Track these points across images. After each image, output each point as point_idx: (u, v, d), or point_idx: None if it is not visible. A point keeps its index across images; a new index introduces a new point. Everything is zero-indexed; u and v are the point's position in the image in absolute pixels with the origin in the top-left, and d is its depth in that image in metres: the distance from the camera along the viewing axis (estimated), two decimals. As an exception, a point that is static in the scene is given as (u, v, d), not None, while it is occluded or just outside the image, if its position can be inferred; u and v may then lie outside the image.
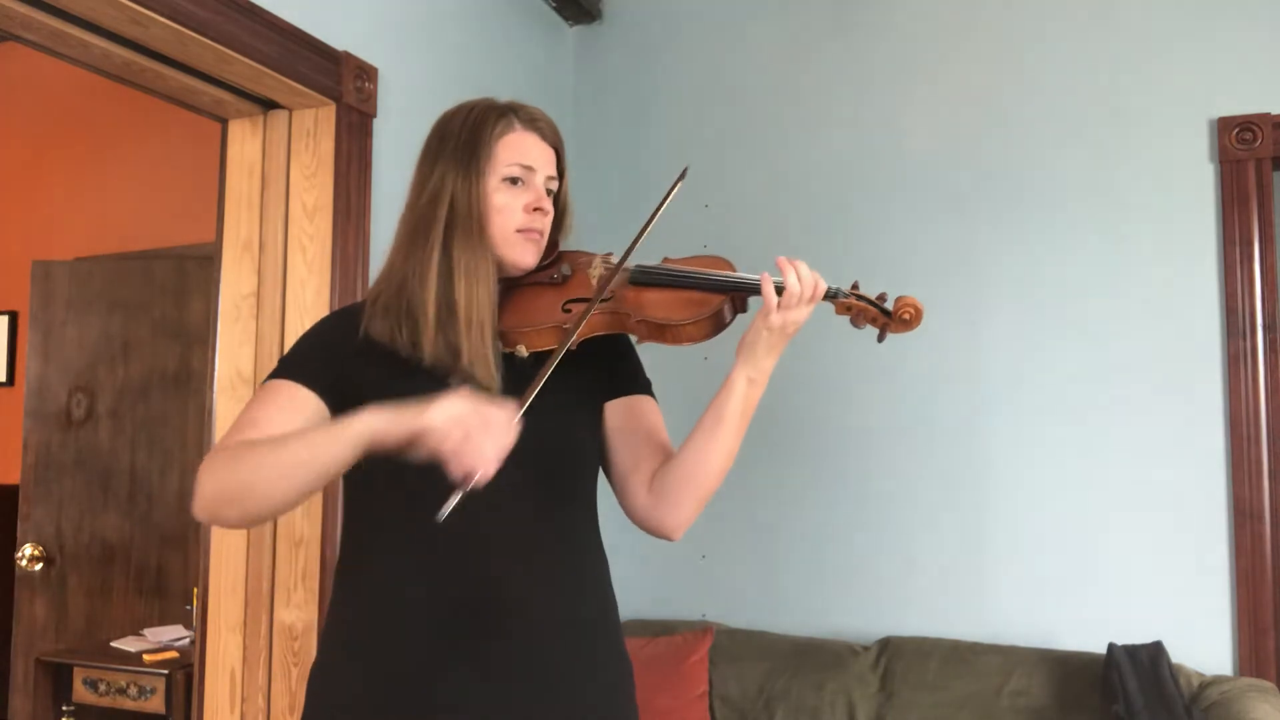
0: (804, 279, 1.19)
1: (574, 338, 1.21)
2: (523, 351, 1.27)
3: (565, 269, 1.32)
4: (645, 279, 1.28)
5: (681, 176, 1.34)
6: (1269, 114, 2.42)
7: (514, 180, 1.28)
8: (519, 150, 1.29)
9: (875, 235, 2.79)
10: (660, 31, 3.14)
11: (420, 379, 1.19)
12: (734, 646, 2.68)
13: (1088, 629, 2.44)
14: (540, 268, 1.33)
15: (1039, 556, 2.56)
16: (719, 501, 3.06)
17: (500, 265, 1.29)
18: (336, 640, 1.26)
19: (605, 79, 3.21)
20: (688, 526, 1.28)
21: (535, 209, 1.29)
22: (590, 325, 1.25)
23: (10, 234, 4.03)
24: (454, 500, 1.01)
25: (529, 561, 1.23)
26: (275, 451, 1.09)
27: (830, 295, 1.23)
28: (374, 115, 2.24)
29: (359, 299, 2.16)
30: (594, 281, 1.29)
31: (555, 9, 3.14)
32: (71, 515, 3.35)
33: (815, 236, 2.86)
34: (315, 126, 2.15)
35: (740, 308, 1.28)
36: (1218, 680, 2.26)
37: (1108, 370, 2.53)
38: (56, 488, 3.35)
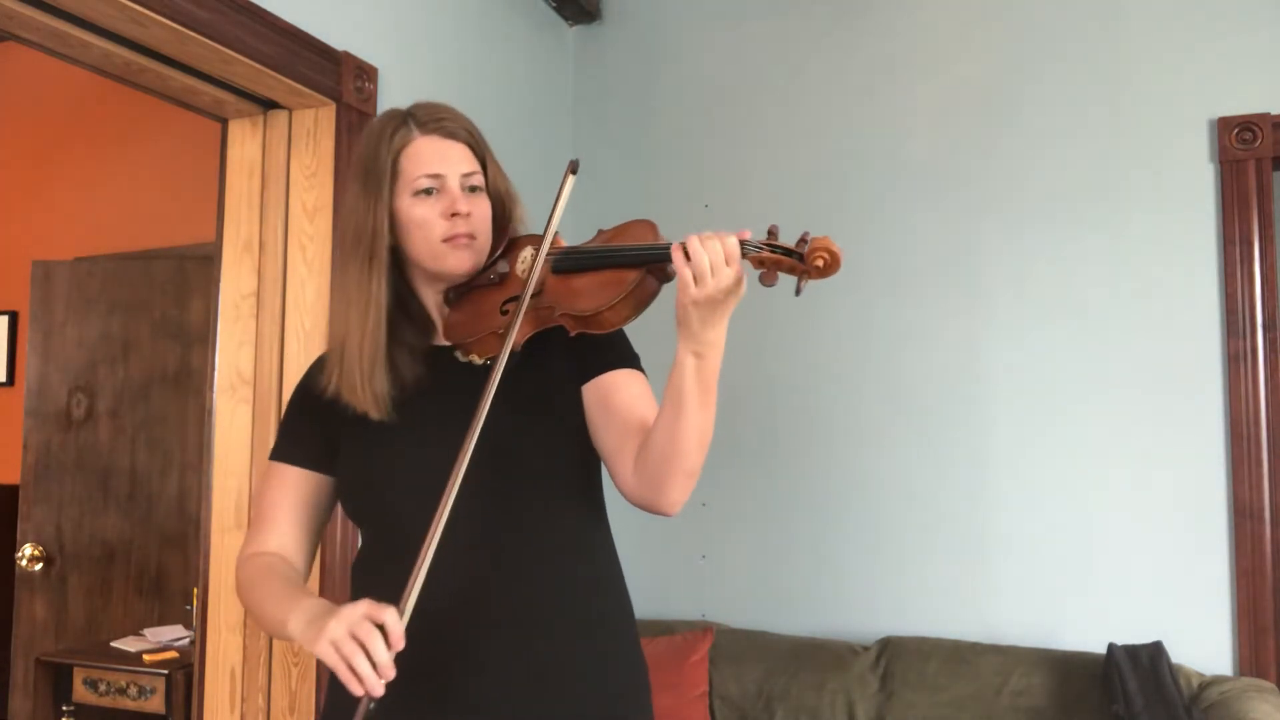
0: (708, 246, 1.07)
1: (505, 351, 1.16)
2: (476, 360, 1.25)
3: (503, 266, 1.27)
4: (565, 264, 1.21)
5: (571, 171, 1.23)
6: (1269, 114, 2.42)
7: (427, 191, 1.25)
8: (421, 159, 1.25)
9: (875, 235, 2.79)
10: (660, 31, 3.14)
11: (341, 419, 1.27)
12: (734, 646, 2.68)
13: (1088, 629, 2.44)
14: (485, 267, 1.28)
15: (1039, 556, 2.56)
16: (719, 501, 3.08)
17: (440, 277, 1.28)
18: None
19: (605, 79, 3.21)
20: (682, 502, 1.22)
21: (453, 214, 1.24)
22: (521, 331, 1.20)
23: (10, 234, 4.03)
24: (359, 713, 1.03)
25: (510, 569, 1.22)
26: (260, 604, 1.23)
27: (741, 252, 1.10)
28: (374, 115, 2.24)
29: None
30: (522, 276, 1.23)
31: (555, 9, 3.14)
32: (71, 515, 3.35)
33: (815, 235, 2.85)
34: (315, 126, 2.15)
35: (664, 276, 1.17)
36: (1218, 680, 2.26)
37: (1108, 370, 2.53)
38: (56, 488, 3.35)
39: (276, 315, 2.13)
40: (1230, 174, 2.44)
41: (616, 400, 1.27)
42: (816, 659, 2.58)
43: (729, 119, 3.01)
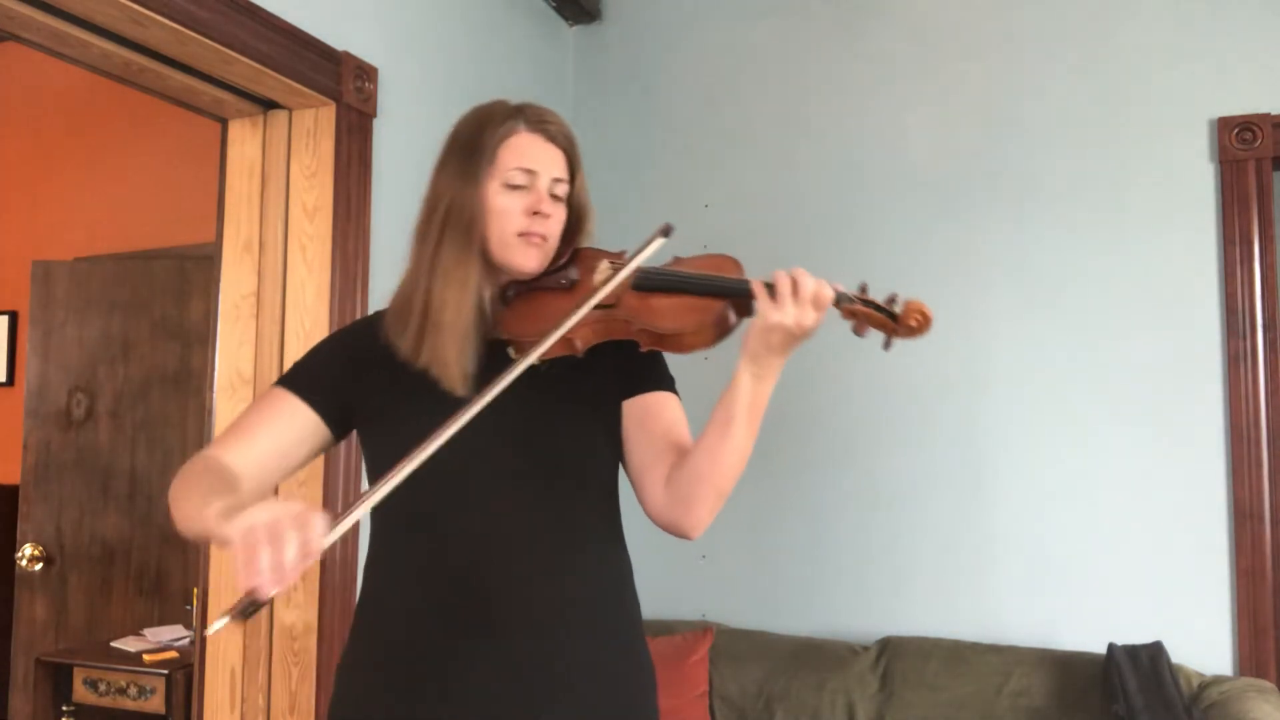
0: (801, 285, 1.14)
1: (543, 347, 1.18)
2: (541, 365, 1.25)
3: (573, 273, 1.31)
4: (648, 283, 1.25)
5: (663, 234, 1.26)
6: (1269, 114, 2.42)
7: (516, 185, 1.28)
8: (521, 154, 1.28)
9: (875, 235, 2.79)
10: (660, 31, 3.14)
11: (406, 380, 1.24)
12: (734, 646, 2.68)
13: (1088, 629, 2.44)
14: (551, 271, 1.32)
15: (1039, 556, 2.56)
16: (719, 501, 3.05)
17: (502, 269, 1.30)
18: (354, 633, 1.32)
19: (605, 79, 3.21)
20: (706, 525, 1.26)
21: (535, 212, 1.27)
22: (590, 332, 1.24)
23: (10, 234, 4.03)
24: (235, 609, 0.92)
25: (526, 564, 1.24)
26: (189, 503, 1.12)
27: (834, 300, 1.17)
28: (374, 115, 2.24)
29: (359, 299, 2.18)
30: (597, 286, 1.27)
31: (555, 9, 3.14)
32: (71, 515, 3.35)
33: (815, 236, 2.86)
34: (315, 126, 2.15)
35: (745, 311, 1.23)
36: (1218, 680, 2.26)
37: (1108, 370, 2.53)
38: (56, 488, 3.35)
39: (276, 315, 2.13)
40: (1230, 174, 2.44)
41: (657, 420, 1.32)
42: (816, 659, 2.58)
43: (729, 118, 3.01)
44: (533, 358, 1.17)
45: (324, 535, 0.96)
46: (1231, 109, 2.46)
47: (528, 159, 1.28)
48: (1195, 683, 2.27)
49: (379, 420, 1.29)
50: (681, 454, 1.30)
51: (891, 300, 1.19)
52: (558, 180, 1.31)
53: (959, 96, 2.74)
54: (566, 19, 3.21)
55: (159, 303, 3.45)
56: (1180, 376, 2.46)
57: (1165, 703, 2.15)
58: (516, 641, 1.21)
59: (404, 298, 1.29)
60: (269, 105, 2.15)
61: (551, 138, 1.31)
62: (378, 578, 1.30)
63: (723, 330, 1.21)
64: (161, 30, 1.76)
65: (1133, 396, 2.50)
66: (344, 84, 2.14)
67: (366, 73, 2.21)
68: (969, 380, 2.66)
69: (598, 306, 1.22)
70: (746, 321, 1.22)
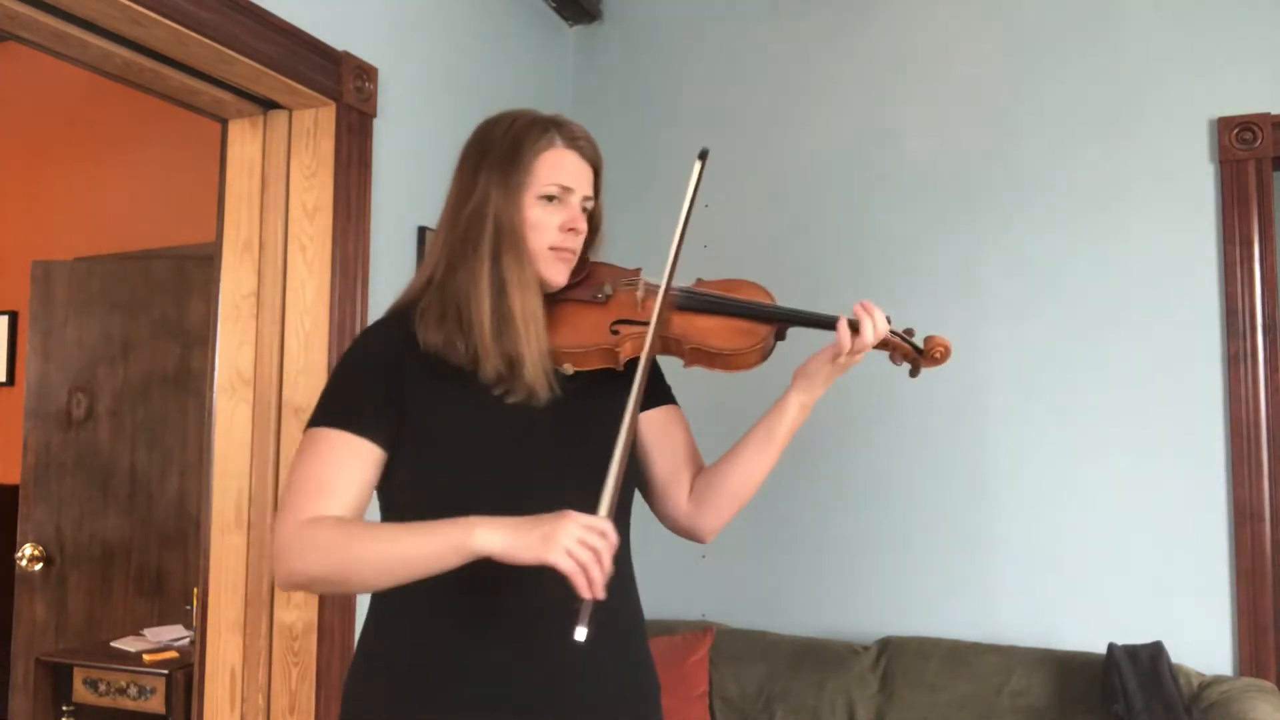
0: (879, 328, 1.26)
1: (642, 368, 1.23)
2: (569, 369, 1.29)
3: (607, 289, 1.34)
4: (693, 304, 1.31)
5: (702, 159, 1.35)
6: (1269, 114, 2.42)
7: (550, 198, 1.29)
8: (558, 169, 1.30)
9: (875, 235, 2.79)
10: (660, 31, 3.14)
11: (473, 392, 1.23)
12: (734, 646, 2.68)
13: (1088, 629, 2.44)
14: (574, 284, 1.34)
15: (1039, 556, 2.56)
16: (719, 501, 3.05)
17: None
18: (378, 636, 1.29)
19: (605, 79, 3.21)
20: (721, 530, 1.36)
21: (570, 229, 1.30)
22: (632, 347, 1.28)
23: (10, 234, 4.03)
24: (583, 620, 1.07)
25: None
26: (378, 546, 1.15)
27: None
28: (374, 115, 2.24)
29: (359, 299, 2.18)
30: (640, 304, 1.31)
31: (555, 9, 3.14)
32: (71, 515, 3.35)
33: (815, 236, 2.86)
34: (315, 126, 2.15)
35: (781, 336, 1.33)
36: (1218, 680, 2.26)
37: (1108, 369, 2.53)
38: (56, 488, 3.35)
39: (276, 315, 2.13)
40: (1230, 174, 2.44)
41: (677, 432, 1.40)
42: (816, 659, 2.58)
43: (729, 119, 3.01)
44: (643, 361, 1.23)
45: (610, 527, 1.09)
46: (1231, 109, 2.46)
47: (566, 176, 1.31)
48: (1195, 683, 2.27)
49: (432, 435, 1.24)
50: (698, 464, 1.39)
51: (910, 333, 1.33)
52: (587, 198, 1.34)
53: (960, 97, 2.74)
54: (566, 19, 3.21)
55: (159, 303, 3.45)
56: (1180, 376, 2.46)
57: (1165, 703, 2.15)
58: (553, 645, 1.18)
59: (453, 305, 1.25)
60: (269, 105, 2.15)
61: (585, 155, 1.36)
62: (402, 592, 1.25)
63: (766, 352, 1.30)
64: (161, 30, 1.76)
65: (1133, 396, 2.50)
66: (344, 84, 2.14)
67: (366, 73, 2.21)
68: (969, 380, 2.66)
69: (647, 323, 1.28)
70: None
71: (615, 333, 1.30)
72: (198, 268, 3.38)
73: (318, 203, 2.13)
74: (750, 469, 1.33)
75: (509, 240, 1.26)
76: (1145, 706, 2.15)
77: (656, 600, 2.89)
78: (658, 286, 1.29)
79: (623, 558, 1.33)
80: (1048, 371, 2.59)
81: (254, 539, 2.10)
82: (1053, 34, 2.65)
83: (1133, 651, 2.28)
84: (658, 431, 1.38)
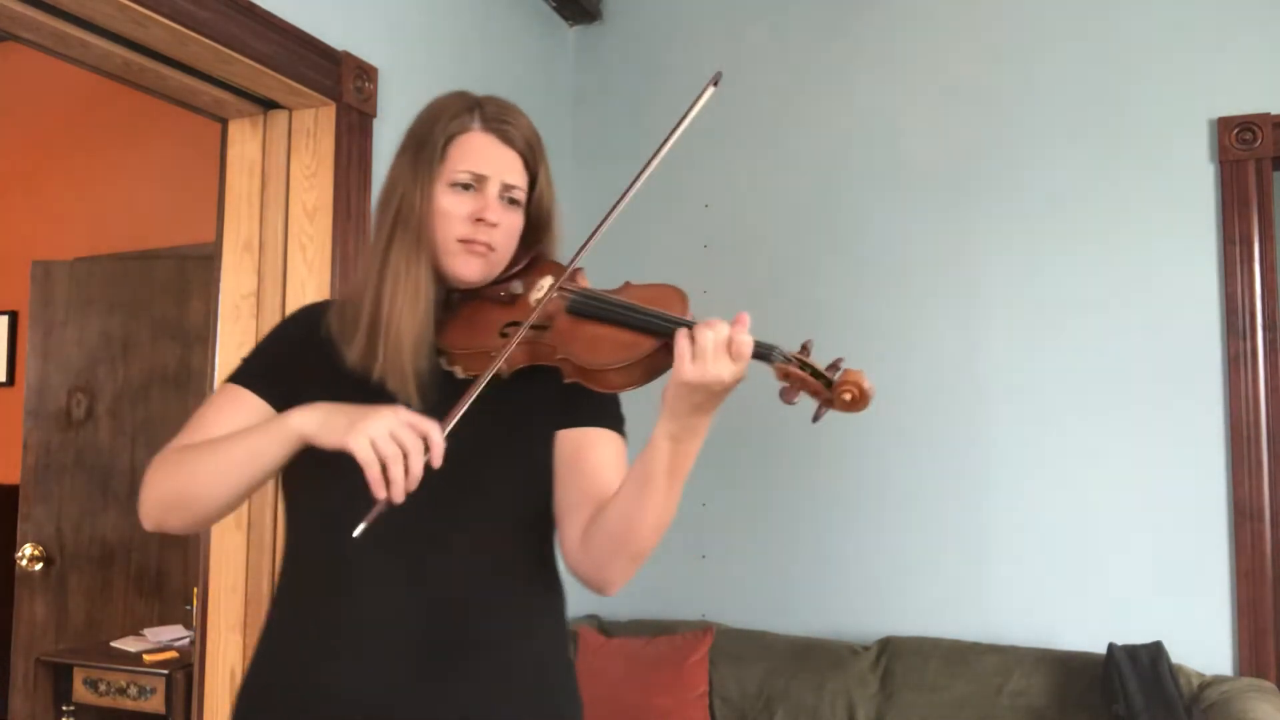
0: (717, 334, 1.00)
1: (490, 371, 1.10)
2: (459, 373, 1.17)
3: (516, 287, 1.21)
4: (583, 308, 1.13)
5: (714, 83, 1.21)
6: (1269, 114, 2.42)
7: (465, 185, 1.19)
8: (470, 155, 1.19)
9: (874, 234, 2.79)
10: (660, 31, 3.14)
11: (347, 385, 1.14)
12: (734, 646, 2.68)
13: (1088, 629, 2.44)
14: (499, 280, 1.22)
15: (1039, 556, 2.56)
16: (719, 502, 3.07)
17: (444, 276, 1.21)
18: (261, 655, 1.22)
19: (605, 79, 3.21)
20: (621, 585, 1.15)
21: (479, 219, 1.18)
22: (520, 354, 1.14)
23: (10, 234, 4.03)
24: (368, 520, 0.99)
25: (431, 589, 1.14)
26: (213, 453, 1.12)
27: (763, 355, 1.03)
28: (374, 115, 2.24)
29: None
30: (533, 306, 1.17)
31: (555, 9, 3.14)
32: (71, 515, 3.35)
33: (814, 236, 2.86)
34: (315, 126, 2.15)
35: None
36: (1218, 680, 2.26)
37: (1108, 370, 2.53)
38: (56, 488, 3.35)
39: (276, 315, 2.13)
40: (1230, 174, 2.44)
41: (588, 459, 1.19)
42: (816, 659, 2.58)
43: (728, 118, 3.01)
44: (490, 373, 1.09)
45: (441, 436, 1.01)
46: (1231, 109, 2.46)
47: (478, 161, 1.19)
48: (1195, 683, 2.27)
49: None
50: (604, 502, 1.17)
51: (833, 368, 1.03)
52: (509, 186, 1.21)
53: (959, 97, 2.74)
54: (566, 19, 3.21)
55: (159, 303, 3.45)
56: (1180, 377, 2.46)
57: (1165, 703, 2.15)
58: (412, 669, 1.11)
59: (354, 298, 1.21)
60: (269, 105, 2.15)
61: (508, 140, 1.21)
62: (285, 603, 1.21)
63: (652, 369, 1.08)
64: (161, 30, 1.76)
65: (1133, 396, 2.50)
66: (344, 84, 2.14)
67: (366, 73, 2.21)
68: (967, 379, 2.66)
69: (533, 327, 1.13)
70: None
71: (504, 335, 1.16)
72: (198, 268, 3.38)
73: (318, 203, 2.13)
74: (631, 518, 1.08)
75: (403, 231, 1.17)
76: (1145, 706, 2.15)
77: (656, 600, 2.90)
78: (572, 290, 1.14)
79: (526, 589, 1.21)
80: (1047, 371, 2.58)
81: (254, 539, 2.10)
82: (1052, 34, 2.65)
83: (1133, 651, 2.28)
84: (567, 455, 1.20)
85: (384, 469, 0.99)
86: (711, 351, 1.00)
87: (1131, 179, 2.54)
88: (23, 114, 4.07)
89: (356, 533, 0.98)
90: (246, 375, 1.23)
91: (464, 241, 1.18)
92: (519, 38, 2.96)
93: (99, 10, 1.69)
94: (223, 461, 1.11)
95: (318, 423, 1.06)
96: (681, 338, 1.01)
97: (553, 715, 1.21)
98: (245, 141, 2.19)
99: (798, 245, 2.88)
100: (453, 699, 1.12)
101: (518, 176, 1.22)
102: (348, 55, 2.17)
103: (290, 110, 2.16)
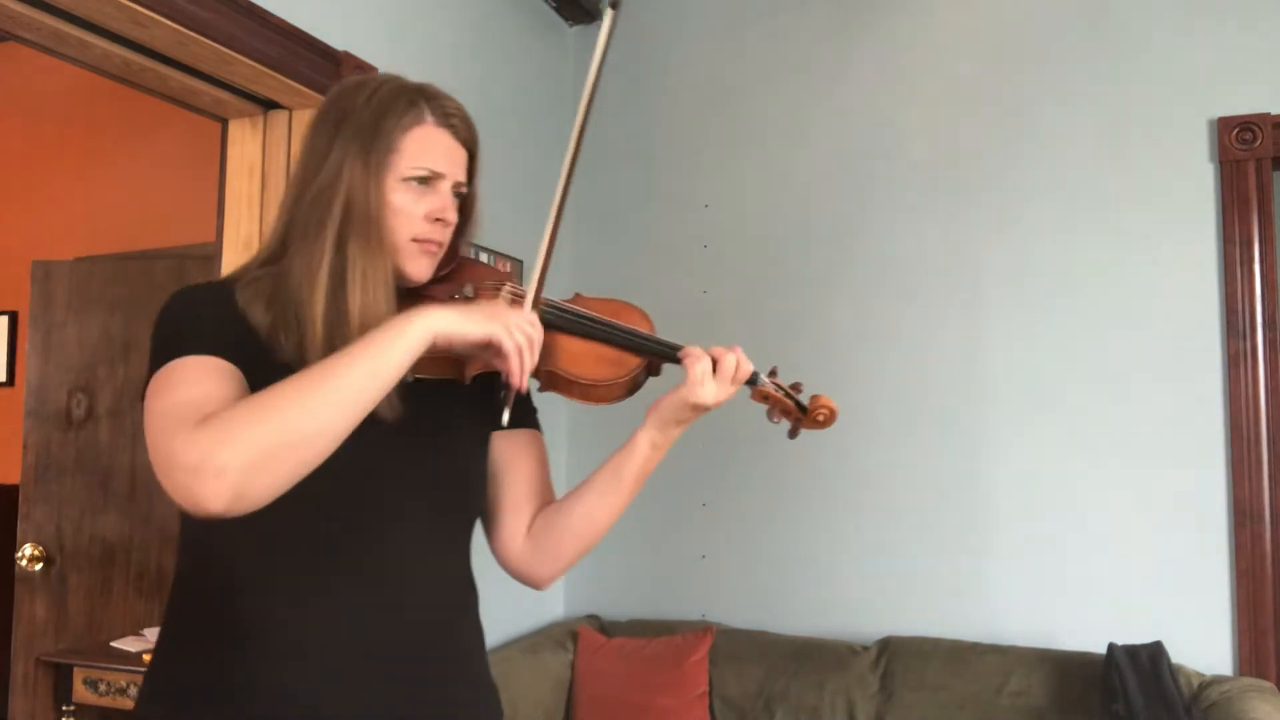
0: (742, 365, 1.14)
1: (524, 376, 1.10)
2: (409, 376, 1.07)
3: (468, 290, 1.17)
4: (563, 323, 1.15)
5: (611, 5, 1.19)
6: (1269, 114, 2.42)
7: (421, 180, 1.13)
8: (428, 151, 1.13)
9: (874, 234, 2.79)
10: (660, 31, 3.14)
11: (278, 376, 0.98)
12: (734, 646, 2.68)
13: (1088, 629, 2.44)
14: (437, 280, 1.18)
15: (1039, 556, 2.56)
16: (719, 502, 3.07)
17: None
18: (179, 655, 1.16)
19: (605, 79, 3.20)
20: (555, 581, 1.24)
21: (437, 219, 1.13)
22: (478, 363, 1.13)
23: (10, 234, 4.03)
24: (509, 402, 1.07)
25: (387, 582, 1.11)
26: (322, 381, 0.95)
27: (752, 380, 1.17)
28: (374, 115, 2.24)
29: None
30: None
31: (555, 9, 3.14)
32: (71, 515, 3.34)
33: (814, 236, 2.86)
34: (315, 126, 2.15)
35: (654, 371, 1.18)
36: (1218, 680, 2.26)
37: (1107, 370, 2.53)
38: (56, 488, 3.34)
39: (276, 315, 2.13)
40: (1230, 174, 2.44)
41: (528, 460, 1.25)
42: (816, 659, 2.58)
43: (728, 118, 3.01)
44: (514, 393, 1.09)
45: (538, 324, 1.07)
46: (1231, 109, 2.46)
47: (435, 159, 1.14)
48: (1195, 683, 2.27)
49: None
50: (545, 501, 1.23)
51: (796, 388, 1.20)
52: (459, 184, 1.17)
53: (959, 96, 2.74)
54: (566, 19, 3.21)
55: (159, 303, 3.39)
56: (1180, 376, 2.46)
57: (1165, 703, 2.15)
58: (392, 679, 1.08)
59: (286, 291, 1.09)
60: (269, 105, 2.15)
61: (458, 135, 1.17)
62: (223, 605, 1.15)
63: (634, 387, 1.16)
64: (162, 30, 1.76)
65: (1132, 396, 2.50)
66: (344, 84, 2.14)
67: (366, 73, 2.21)
68: (967, 379, 2.66)
69: None
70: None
71: None
72: (198, 268, 3.38)
73: (318, 203, 2.13)
74: (594, 516, 1.17)
75: (360, 226, 1.08)
76: (1145, 706, 2.15)
77: (656, 600, 2.90)
78: (524, 294, 1.13)
79: (465, 578, 1.21)
80: (1047, 371, 2.59)
81: (254, 539, 2.10)
82: (1053, 34, 2.65)
83: (1133, 651, 2.28)
84: (507, 456, 1.23)
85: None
86: (731, 378, 1.13)
87: (1132, 179, 2.54)
88: (23, 114, 4.07)
89: (504, 422, 1.09)
90: (201, 345, 1.04)
91: (419, 241, 1.13)
92: (519, 38, 2.96)
93: (99, 10, 1.69)
94: (347, 382, 0.95)
95: (456, 316, 1.01)
96: (699, 362, 1.12)
97: (491, 700, 1.22)
98: (245, 141, 2.19)
99: (798, 245, 2.88)
100: (439, 699, 1.12)
101: (465, 174, 1.19)
102: (348, 55, 2.16)
103: (290, 110, 2.16)
